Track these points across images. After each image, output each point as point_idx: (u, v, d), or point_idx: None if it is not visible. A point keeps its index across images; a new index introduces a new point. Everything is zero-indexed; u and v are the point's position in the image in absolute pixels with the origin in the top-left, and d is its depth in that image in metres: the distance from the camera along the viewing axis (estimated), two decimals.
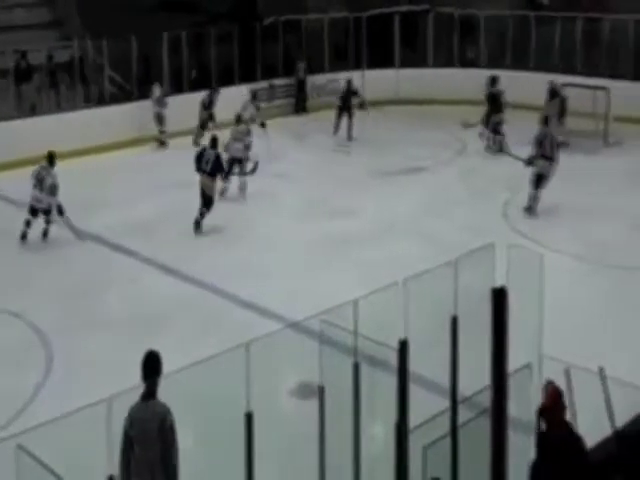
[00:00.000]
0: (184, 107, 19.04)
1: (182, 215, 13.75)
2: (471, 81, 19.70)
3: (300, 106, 22.11)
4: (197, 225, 13.26)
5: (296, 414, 7.35)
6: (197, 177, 13.55)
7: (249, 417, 4.71)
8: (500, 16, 22.52)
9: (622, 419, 5.43)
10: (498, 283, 5.12)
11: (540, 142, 13.74)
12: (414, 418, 5.25)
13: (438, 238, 12.46)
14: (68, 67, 19.50)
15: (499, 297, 4.92)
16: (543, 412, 5.31)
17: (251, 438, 4.70)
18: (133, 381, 4.45)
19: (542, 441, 5.31)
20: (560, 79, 18.82)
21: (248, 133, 15.61)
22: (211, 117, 19.02)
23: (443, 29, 23.80)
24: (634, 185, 15.28)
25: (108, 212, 14.18)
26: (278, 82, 21.86)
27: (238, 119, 16.00)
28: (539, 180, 13.66)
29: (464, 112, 18.66)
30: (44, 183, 12.80)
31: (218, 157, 13.53)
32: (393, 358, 5.19)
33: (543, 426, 5.34)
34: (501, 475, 4.58)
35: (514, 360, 5.37)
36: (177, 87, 20.26)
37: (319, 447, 5.36)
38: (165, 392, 4.67)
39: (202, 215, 13.30)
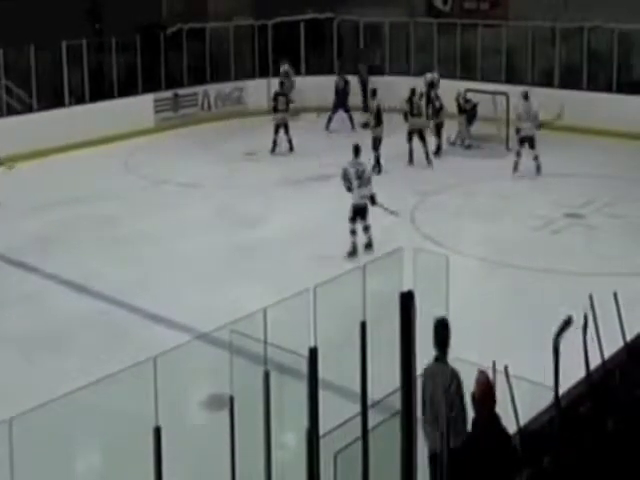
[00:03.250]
0: (85, 118, 18.76)
1: (81, 229, 13.52)
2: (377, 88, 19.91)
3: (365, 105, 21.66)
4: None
5: (207, 426, 7.29)
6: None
7: (157, 432, 4.63)
8: (404, 23, 22.88)
9: (527, 416, 5.55)
10: (406, 287, 5.18)
11: None
12: (325, 424, 5.26)
13: (348, 244, 12.53)
14: None
15: (407, 301, 4.97)
16: (473, 402, 5.38)
17: (160, 453, 4.63)
18: (36, 400, 4.32)
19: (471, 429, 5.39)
20: (462, 85, 19.18)
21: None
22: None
23: (348, 36, 24.04)
24: (535, 188, 15.70)
25: (3, 227, 13.82)
26: (182, 92, 21.68)
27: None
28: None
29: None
30: (363, 176, 12.47)
31: None
32: (303, 365, 5.19)
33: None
34: (411, 475, 4.64)
35: (422, 362, 5.44)
36: (79, 98, 19.85)
37: (230, 458, 5.31)
38: (69, 410, 4.56)
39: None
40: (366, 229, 12.49)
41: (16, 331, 10.09)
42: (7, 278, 11.92)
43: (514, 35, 21.51)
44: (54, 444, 5.63)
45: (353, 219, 12.45)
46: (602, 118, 18.96)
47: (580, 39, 20.42)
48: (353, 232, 12.39)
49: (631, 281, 10.55)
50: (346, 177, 12.58)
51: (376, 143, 16.76)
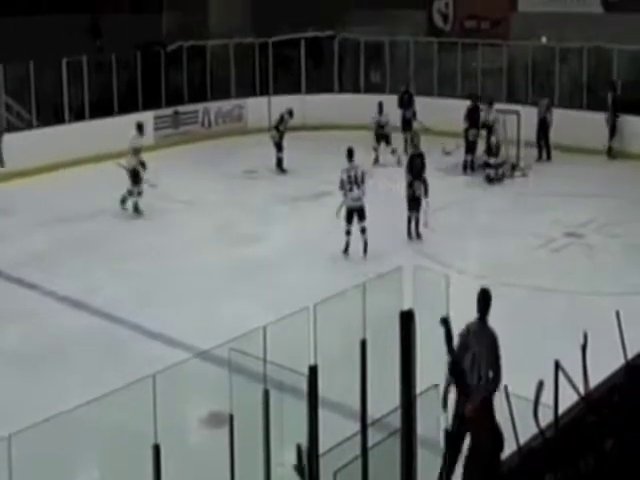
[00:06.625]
0: (84, 135, 18.82)
1: (81, 246, 13.50)
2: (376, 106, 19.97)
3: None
4: None
5: (206, 444, 7.25)
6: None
7: (157, 449, 4.62)
8: (404, 42, 22.98)
9: (527, 434, 5.53)
10: (406, 305, 5.18)
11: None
12: (325, 442, 5.24)
13: (346, 262, 12.54)
14: None
15: (407, 319, 4.97)
16: (468, 423, 5.38)
17: (159, 470, 4.62)
18: (34, 417, 4.32)
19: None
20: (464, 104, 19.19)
21: None
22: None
23: (349, 55, 24.14)
24: (534, 207, 15.70)
25: (2, 244, 13.80)
26: (183, 109, 21.74)
27: None
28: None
29: (370, 137, 18.87)
30: (357, 179, 12.99)
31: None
32: (303, 384, 5.18)
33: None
34: None
35: (422, 381, 5.43)
36: (78, 114, 19.89)
37: (230, 476, 5.29)
38: (68, 427, 4.56)
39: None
40: (363, 231, 13.00)
41: (15, 348, 10.06)
42: (6, 294, 11.90)
43: (515, 54, 21.64)
44: (53, 461, 5.61)
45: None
46: (602, 137, 19.01)
47: (580, 59, 20.50)
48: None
49: (630, 300, 10.54)
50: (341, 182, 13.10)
51: None
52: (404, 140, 19.87)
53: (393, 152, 17.64)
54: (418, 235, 13.83)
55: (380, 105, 18.94)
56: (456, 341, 6.76)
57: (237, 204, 16.27)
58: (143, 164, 15.83)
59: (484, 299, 7.34)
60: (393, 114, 19.77)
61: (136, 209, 15.59)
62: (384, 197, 15.92)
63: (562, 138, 19.06)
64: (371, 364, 5.61)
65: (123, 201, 15.62)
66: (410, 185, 13.82)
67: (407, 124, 20.16)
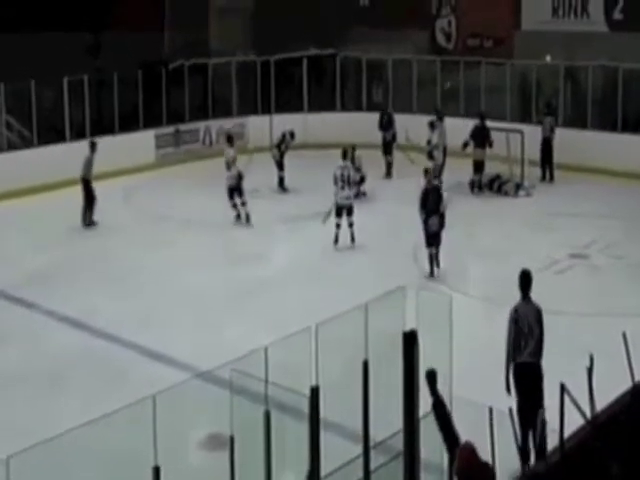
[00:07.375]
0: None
1: (80, 265, 13.43)
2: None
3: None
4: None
5: (206, 466, 7.19)
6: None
7: (156, 471, 4.56)
8: (406, 60, 23.01)
9: (531, 459, 5.46)
10: (409, 326, 5.13)
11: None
12: (327, 465, 5.18)
13: (349, 282, 12.47)
14: None
15: (410, 340, 4.93)
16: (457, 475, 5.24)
17: None
18: (32, 439, 4.26)
19: None
20: (466, 123, 19.15)
21: None
22: None
23: (351, 73, 24.19)
24: (539, 228, 15.63)
25: (2, 263, 13.73)
26: (184, 127, 21.74)
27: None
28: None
29: (371, 155, 18.85)
30: (349, 178, 14.44)
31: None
32: (305, 405, 5.12)
33: None
34: None
35: (425, 402, 5.36)
36: (79, 133, 19.88)
37: None
38: (68, 449, 4.50)
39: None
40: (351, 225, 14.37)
41: (14, 368, 9.98)
42: (6, 314, 11.84)
43: (518, 73, 21.65)
44: None
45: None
46: (606, 157, 18.97)
47: (585, 77, 20.50)
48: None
49: (636, 322, 10.45)
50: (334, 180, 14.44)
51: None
52: (386, 163, 19.81)
53: None
54: (438, 266, 13.21)
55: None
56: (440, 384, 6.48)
57: (239, 223, 16.21)
58: (241, 176, 16.14)
59: (525, 279, 8.18)
60: (375, 136, 19.79)
61: (247, 219, 15.94)
62: (390, 218, 15.97)
63: (566, 157, 19.03)
64: (373, 385, 5.55)
65: (239, 216, 16.03)
66: (426, 222, 13.19)
67: (387, 146, 19.91)
